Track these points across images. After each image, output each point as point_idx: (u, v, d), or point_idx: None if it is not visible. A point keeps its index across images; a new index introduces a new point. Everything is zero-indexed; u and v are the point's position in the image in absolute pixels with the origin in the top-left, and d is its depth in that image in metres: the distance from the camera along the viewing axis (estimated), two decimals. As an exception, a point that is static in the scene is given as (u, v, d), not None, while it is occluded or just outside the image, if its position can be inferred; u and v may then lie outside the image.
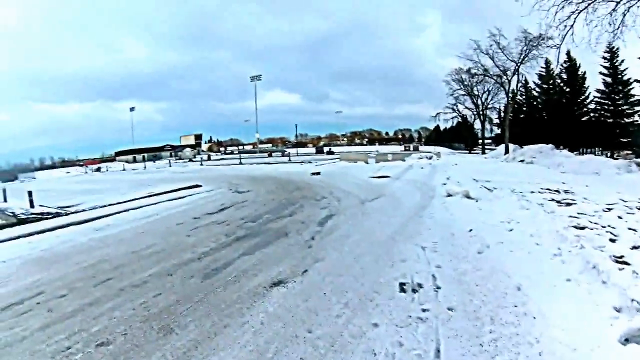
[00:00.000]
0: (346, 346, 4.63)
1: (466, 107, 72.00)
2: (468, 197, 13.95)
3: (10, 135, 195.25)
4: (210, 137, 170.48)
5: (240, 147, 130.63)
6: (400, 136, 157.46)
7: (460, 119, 76.96)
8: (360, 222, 10.92)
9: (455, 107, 72.67)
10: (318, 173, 26.30)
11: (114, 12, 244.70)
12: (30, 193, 23.35)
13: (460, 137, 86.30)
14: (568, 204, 11.54)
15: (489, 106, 66.88)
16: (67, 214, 18.49)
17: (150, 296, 6.97)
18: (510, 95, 55.65)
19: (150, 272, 8.32)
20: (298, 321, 5.35)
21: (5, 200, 28.84)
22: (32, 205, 22.36)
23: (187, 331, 5.44)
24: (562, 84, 54.58)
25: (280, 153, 75.04)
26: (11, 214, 20.30)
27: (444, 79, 68.47)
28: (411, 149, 74.54)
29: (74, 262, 10.18)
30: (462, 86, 67.51)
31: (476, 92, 66.72)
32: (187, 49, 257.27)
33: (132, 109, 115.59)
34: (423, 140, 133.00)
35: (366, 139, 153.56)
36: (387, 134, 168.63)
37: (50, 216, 18.47)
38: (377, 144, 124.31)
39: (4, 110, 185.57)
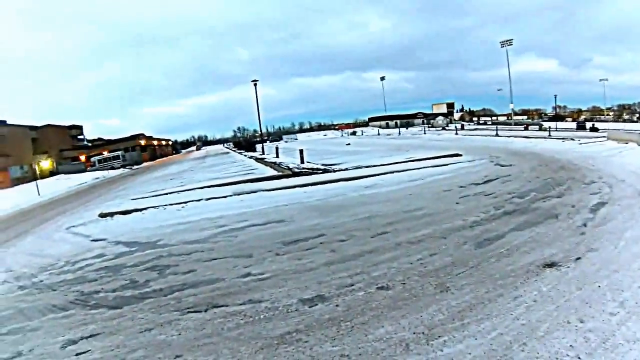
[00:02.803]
0: (618, 347, 4.41)
1: None
2: None
3: (277, 105, 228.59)
4: (462, 106, 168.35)
5: (494, 118, 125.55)
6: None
7: None
8: (638, 216, 9.66)
9: None
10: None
11: None
12: (301, 151, 26.54)
13: None
14: None
15: None
16: (334, 171, 20.59)
17: (426, 254, 7.63)
18: None
19: (424, 233, 9.04)
20: (570, 308, 5.28)
21: (277, 156, 33.31)
22: (302, 161, 25.54)
23: (462, 293, 5.87)
24: None
25: (538, 127, 69.63)
26: (286, 168, 23.46)
27: None
28: (702, 131, 60.19)
29: (350, 213, 11.49)
30: None
31: None
32: (430, 19, 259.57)
33: (382, 79, 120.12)
34: None
35: (637, 115, 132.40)
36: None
37: (319, 171, 20.85)
38: None
39: (272, 86, 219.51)
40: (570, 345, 4.48)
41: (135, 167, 66.40)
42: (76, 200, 25.49)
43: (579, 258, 7.08)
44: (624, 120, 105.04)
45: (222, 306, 6.21)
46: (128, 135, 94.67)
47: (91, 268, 9.14)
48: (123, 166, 66.50)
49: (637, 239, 7.99)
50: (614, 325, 4.86)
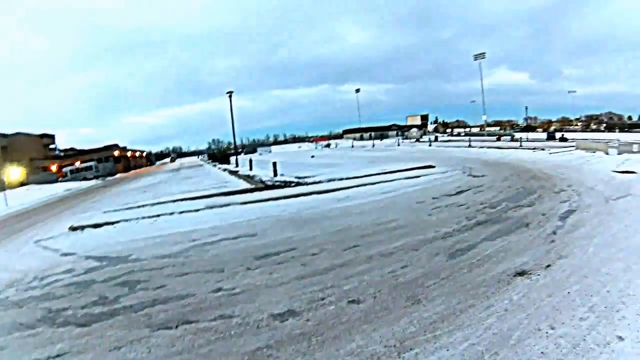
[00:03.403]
0: (588, 352, 4.50)
1: None
2: None
3: (252, 117, 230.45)
4: (436, 117, 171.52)
5: (467, 129, 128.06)
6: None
7: None
8: (605, 222, 10.01)
9: None
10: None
11: (337, 4, 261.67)
12: (274, 164, 26.59)
13: None
14: None
15: None
16: (307, 184, 20.66)
17: (398, 267, 7.66)
18: None
19: (396, 245, 9.07)
20: (541, 315, 5.35)
21: (250, 169, 33.27)
22: (275, 174, 25.60)
23: (434, 304, 5.90)
24: None
25: (510, 137, 71.51)
26: (259, 181, 23.47)
27: None
28: (663, 137, 62.01)
29: (322, 226, 11.50)
30: None
31: None
32: (409, 31, 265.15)
33: (357, 91, 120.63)
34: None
35: (604, 125, 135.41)
36: (629, 118, 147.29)
37: (292, 184, 20.91)
38: (617, 130, 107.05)
39: (249, 98, 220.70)
40: (542, 352, 4.53)
41: (109, 178, 65.17)
42: (46, 212, 24.88)
43: (549, 265, 7.20)
44: (592, 130, 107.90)
45: (193, 322, 6.10)
46: (102, 145, 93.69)
47: (60, 284, 8.90)
48: (96, 177, 65.16)
49: (605, 245, 8.21)
50: (584, 330, 4.95)
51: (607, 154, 30.58)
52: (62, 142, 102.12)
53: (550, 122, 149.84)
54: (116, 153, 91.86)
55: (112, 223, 15.20)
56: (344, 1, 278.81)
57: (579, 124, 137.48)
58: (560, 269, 6.99)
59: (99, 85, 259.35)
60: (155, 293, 7.56)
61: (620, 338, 4.75)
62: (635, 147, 31.39)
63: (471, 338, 4.91)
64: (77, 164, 73.25)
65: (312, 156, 55.94)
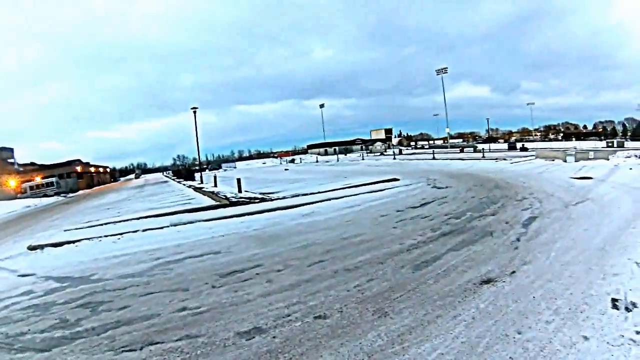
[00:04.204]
0: (556, 354, 4.56)
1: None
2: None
3: (218, 132, 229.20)
4: (400, 131, 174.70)
5: (431, 142, 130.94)
6: (600, 129, 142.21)
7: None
8: (566, 227, 10.35)
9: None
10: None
11: (303, 20, 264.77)
12: (239, 180, 26.50)
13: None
14: None
15: None
16: (271, 200, 20.63)
17: (364, 280, 7.63)
18: None
19: (361, 259, 9.05)
20: (508, 321, 5.42)
21: (215, 185, 33.04)
22: (239, 191, 25.51)
23: (402, 317, 5.87)
24: None
25: (472, 149, 73.55)
26: (224, 197, 23.32)
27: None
28: (615, 145, 64.36)
29: (287, 242, 11.42)
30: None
31: None
32: (373, 47, 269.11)
33: (321, 106, 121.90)
34: (629, 134, 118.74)
35: (561, 134, 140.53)
36: (585, 127, 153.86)
37: (257, 200, 20.83)
38: (573, 139, 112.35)
39: (212, 113, 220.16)
40: (510, 357, 4.57)
41: (71, 195, 63.34)
42: (3, 230, 24.01)
43: (514, 272, 7.33)
44: (550, 140, 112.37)
45: (158, 343, 5.89)
46: (64, 160, 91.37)
47: (17, 307, 8.49)
48: (57, 194, 63.20)
49: (566, 249, 8.46)
50: (550, 332, 5.04)
51: (565, 161, 31.79)
52: (21, 157, 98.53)
53: (511, 133, 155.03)
54: (79, 169, 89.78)
55: (74, 242, 14.76)
56: (308, 18, 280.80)
57: (538, 134, 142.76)
58: (525, 275, 7.13)
59: (62, 99, 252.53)
60: (119, 314, 7.32)
61: (586, 338, 4.86)
62: (591, 154, 32.86)
63: (440, 348, 4.89)
64: (38, 179, 71.07)
65: (286, 169, 57.31)
